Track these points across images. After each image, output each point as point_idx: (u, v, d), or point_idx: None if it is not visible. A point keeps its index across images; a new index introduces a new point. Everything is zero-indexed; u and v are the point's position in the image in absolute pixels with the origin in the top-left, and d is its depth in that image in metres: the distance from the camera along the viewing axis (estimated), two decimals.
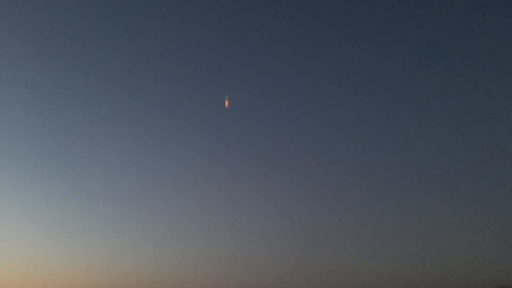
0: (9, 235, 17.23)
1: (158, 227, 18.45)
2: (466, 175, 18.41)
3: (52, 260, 16.91)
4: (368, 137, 20.53)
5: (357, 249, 17.24)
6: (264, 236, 18.14)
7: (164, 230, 18.41)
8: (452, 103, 19.95)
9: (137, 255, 17.26)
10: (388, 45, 20.44)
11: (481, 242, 16.32)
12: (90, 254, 17.09)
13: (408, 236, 17.56)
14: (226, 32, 21.02)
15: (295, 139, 20.87)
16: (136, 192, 19.36)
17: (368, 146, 20.20)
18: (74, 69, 20.47)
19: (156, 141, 20.72)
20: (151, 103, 20.63)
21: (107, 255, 17.20)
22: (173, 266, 17.38)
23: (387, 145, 20.18)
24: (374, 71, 21.08)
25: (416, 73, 20.55)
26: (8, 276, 15.81)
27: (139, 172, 19.86)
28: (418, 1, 19.35)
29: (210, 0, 19.84)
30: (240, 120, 20.91)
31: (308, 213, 18.77)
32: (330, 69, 21.35)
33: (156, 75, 20.91)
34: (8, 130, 19.28)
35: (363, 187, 19.28)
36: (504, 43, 18.30)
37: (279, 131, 21.00)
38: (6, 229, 17.40)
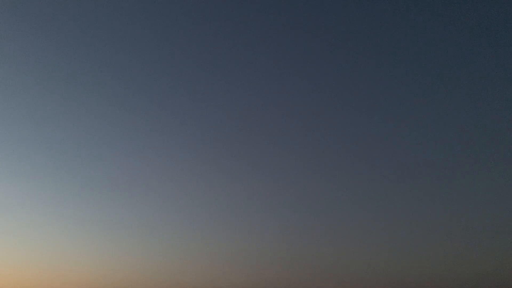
0: (12, 235, 17.36)
1: (162, 225, 18.57)
2: (465, 172, 18.44)
3: (59, 258, 17.04)
4: (363, 136, 20.54)
5: (355, 252, 17.29)
6: (266, 235, 18.22)
7: (168, 228, 18.53)
8: (450, 103, 20.00)
9: (142, 253, 17.39)
10: (381, 50, 20.48)
11: (482, 242, 16.39)
12: (96, 252, 17.22)
13: (408, 236, 17.61)
14: (225, 31, 21.09)
15: (289, 138, 20.92)
16: (141, 191, 19.46)
17: (363, 145, 20.20)
18: (78, 67, 20.59)
19: (160, 141, 20.86)
20: (159, 103, 20.76)
21: (113, 253, 17.33)
22: (176, 263, 17.52)
23: (382, 144, 20.16)
24: (368, 73, 21.14)
25: (412, 73, 20.58)
26: (13, 274, 15.96)
27: (144, 171, 19.96)
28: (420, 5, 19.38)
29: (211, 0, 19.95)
30: (236, 120, 20.99)
31: (305, 212, 18.83)
32: (324, 69, 21.40)
33: (156, 75, 21.02)
34: (15, 129, 19.41)
35: (360, 187, 19.34)
36: (504, 43, 18.32)
37: (275, 130, 21.05)
38: (10, 229, 17.55)
